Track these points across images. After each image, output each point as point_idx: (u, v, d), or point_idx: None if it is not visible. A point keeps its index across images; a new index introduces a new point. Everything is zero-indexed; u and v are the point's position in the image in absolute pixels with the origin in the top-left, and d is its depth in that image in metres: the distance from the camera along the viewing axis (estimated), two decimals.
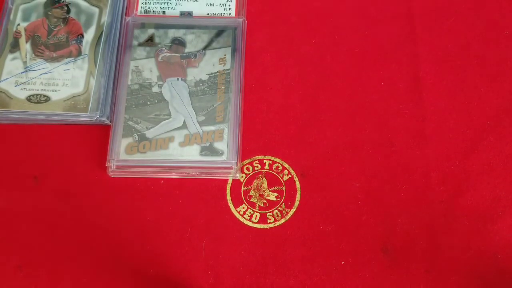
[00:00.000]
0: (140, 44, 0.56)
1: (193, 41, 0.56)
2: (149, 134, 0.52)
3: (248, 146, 0.53)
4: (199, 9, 0.59)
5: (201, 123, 0.52)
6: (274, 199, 0.51)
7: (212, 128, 0.52)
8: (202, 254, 0.49)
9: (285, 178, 0.52)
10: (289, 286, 0.48)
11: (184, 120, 0.53)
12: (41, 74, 0.54)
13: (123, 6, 0.59)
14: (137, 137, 0.52)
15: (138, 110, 0.53)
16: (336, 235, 0.50)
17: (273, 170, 0.52)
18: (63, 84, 0.54)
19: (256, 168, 0.52)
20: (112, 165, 0.50)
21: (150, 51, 0.56)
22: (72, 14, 0.57)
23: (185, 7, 0.59)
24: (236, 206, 0.51)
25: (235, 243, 0.49)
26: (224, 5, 0.59)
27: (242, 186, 0.52)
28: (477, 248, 0.49)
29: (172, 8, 0.59)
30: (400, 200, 0.51)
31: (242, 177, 0.52)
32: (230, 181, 0.52)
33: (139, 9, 0.58)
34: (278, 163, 0.53)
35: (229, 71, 0.55)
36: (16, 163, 0.52)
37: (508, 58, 0.57)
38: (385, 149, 0.53)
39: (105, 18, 0.57)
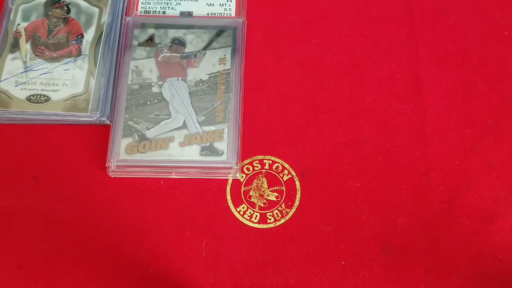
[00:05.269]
0: (140, 44, 0.56)
1: (193, 41, 0.56)
2: (149, 134, 0.52)
3: (248, 146, 0.53)
4: (199, 9, 0.59)
5: (201, 123, 0.52)
6: (274, 199, 0.51)
7: (212, 128, 0.52)
8: (202, 254, 0.49)
9: (285, 178, 0.52)
10: (289, 286, 0.48)
11: (184, 120, 0.53)
12: (41, 74, 0.54)
13: (123, 6, 0.59)
14: (137, 137, 0.52)
15: (138, 110, 0.53)
16: (336, 235, 0.50)
17: (273, 170, 0.52)
18: (63, 84, 0.54)
19: (256, 168, 0.52)
20: (112, 165, 0.50)
21: (150, 51, 0.56)
22: (72, 14, 0.57)
23: (185, 7, 0.59)
24: (236, 206, 0.51)
25: (235, 243, 0.49)
26: (224, 5, 0.59)
27: (242, 186, 0.52)
28: (477, 248, 0.49)
29: (172, 8, 0.59)
30: (400, 200, 0.51)
31: (242, 177, 0.52)
32: (230, 181, 0.52)
33: (139, 9, 0.58)
34: (278, 163, 0.53)
35: (229, 71, 0.55)
36: (16, 163, 0.52)
37: (508, 58, 0.57)
38: (385, 149, 0.53)
39: (105, 18, 0.57)
